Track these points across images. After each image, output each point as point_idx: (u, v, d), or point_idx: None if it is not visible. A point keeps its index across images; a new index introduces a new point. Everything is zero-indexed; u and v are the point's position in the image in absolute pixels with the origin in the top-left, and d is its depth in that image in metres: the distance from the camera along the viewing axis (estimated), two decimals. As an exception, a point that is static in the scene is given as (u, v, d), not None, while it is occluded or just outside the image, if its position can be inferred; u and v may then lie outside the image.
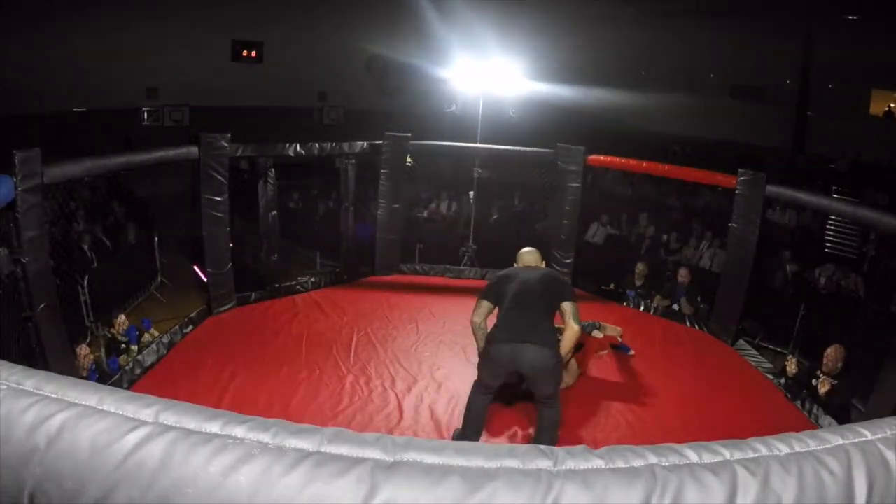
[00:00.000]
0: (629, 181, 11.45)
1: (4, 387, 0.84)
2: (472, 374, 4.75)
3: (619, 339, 5.28)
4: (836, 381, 4.64)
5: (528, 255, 4.03)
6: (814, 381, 4.75)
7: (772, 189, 5.55)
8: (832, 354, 4.70)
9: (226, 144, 5.42)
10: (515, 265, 3.97)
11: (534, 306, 3.60)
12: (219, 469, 0.75)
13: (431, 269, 7.17)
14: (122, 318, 5.65)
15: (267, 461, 0.76)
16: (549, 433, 3.63)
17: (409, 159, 6.78)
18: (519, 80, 7.91)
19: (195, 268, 6.64)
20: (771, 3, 13.37)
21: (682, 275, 6.53)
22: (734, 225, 5.75)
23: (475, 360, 4.84)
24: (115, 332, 5.58)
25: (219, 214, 5.51)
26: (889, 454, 0.83)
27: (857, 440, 0.86)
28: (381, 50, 14.52)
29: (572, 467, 0.79)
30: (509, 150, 7.04)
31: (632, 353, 5.33)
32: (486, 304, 3.78)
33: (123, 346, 5.39)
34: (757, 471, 0.79)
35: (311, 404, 4.28)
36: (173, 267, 8.01)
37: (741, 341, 5.80)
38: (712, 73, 16.26)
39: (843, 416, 4.42)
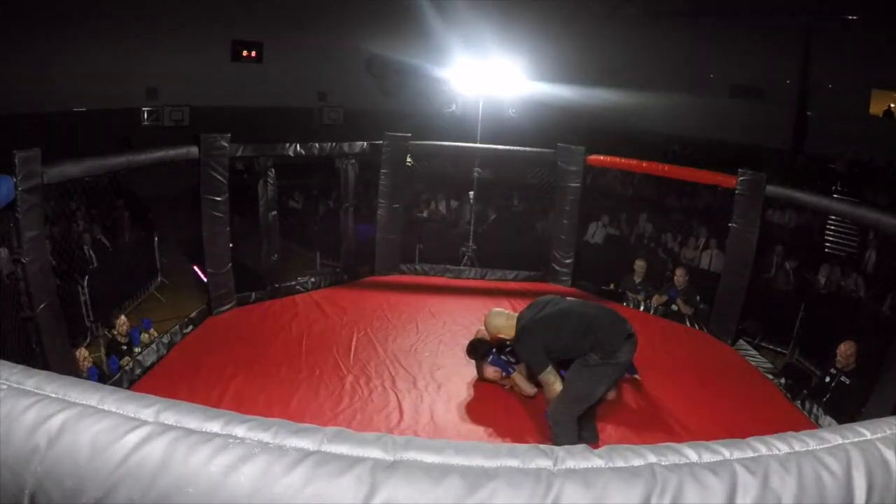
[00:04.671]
0: (629, 181, 11.46)
1: (5, 387, 0.84)
2: (472, 374, 4.76)
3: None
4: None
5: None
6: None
7: (772, 189, 5.54)
8: (844, 350, 4.68)
9: (226, 144, 5.41)
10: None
11: None
12: (219, 468, 0.75)
13: (431, 269, 7.16)
14: (123, 319, 5.64)
15: (267, 460, 0.76)
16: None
17: (409, 159, 6.77)
18: (519, 80, 7.90)
19: (195, 268, 6.64)
20: (771, 2, 13.37)
21: (679, 275, 6.53)
22: (734, 225, 5.74)
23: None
24: (116, 333, 5.58)
25: (219, 214, 5.50)
26: (889, 454, 0.83)
27: (856, 440, 0.86)
28: (381, 50, 14.50)
29: (572, 466, 0.79)
30: (509, 150, 7.03)
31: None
32: None
33: (125, 347, 5.39)
34: (757, 470, 0.79)
35: (311, 404, 4.28)
36: (173, 267, 8.03)
37: (741, 341, 5.80)
38: (712, 73, 16.26)
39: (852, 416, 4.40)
